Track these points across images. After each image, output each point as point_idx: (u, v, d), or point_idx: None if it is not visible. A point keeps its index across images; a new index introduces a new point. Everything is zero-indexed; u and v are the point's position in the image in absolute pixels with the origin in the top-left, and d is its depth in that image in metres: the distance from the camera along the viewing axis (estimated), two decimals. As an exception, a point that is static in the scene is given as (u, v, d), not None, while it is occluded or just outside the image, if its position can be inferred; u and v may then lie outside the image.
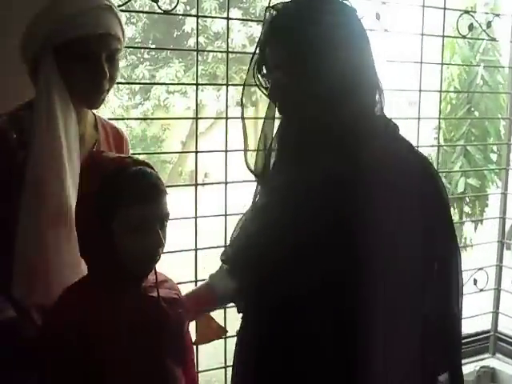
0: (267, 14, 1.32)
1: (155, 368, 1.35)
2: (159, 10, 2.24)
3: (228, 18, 2.45)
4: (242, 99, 1.44)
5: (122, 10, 2.67)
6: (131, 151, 1.80)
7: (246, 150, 1.41)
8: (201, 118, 14.31)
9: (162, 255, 1.36)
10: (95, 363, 1.24)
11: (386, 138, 1.29)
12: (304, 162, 1.28)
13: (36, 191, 1.41)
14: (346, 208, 1.18)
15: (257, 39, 1.36)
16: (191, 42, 11.36)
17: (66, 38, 1.45)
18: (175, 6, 2.26)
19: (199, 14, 2.27)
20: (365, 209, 1.16)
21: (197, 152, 2.33)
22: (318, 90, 1.24)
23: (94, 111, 1.70)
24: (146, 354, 1.32)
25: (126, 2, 2.17)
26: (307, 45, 1.23)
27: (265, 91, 1.36)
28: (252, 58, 1.35)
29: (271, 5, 1.33)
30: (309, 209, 1.22)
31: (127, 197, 1.28)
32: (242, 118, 1.44)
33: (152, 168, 1.34)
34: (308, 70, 1.25)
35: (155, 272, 1.39)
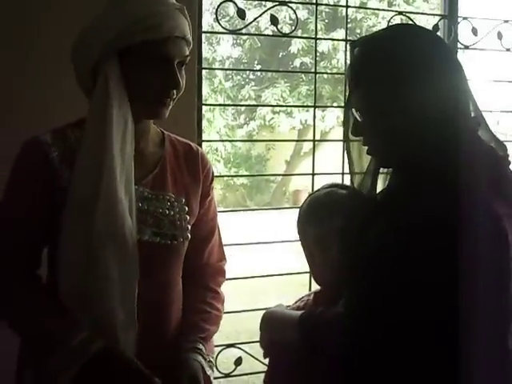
0: (350, 48, 1.24)
1: None
2: (269, 32, 2.29)
3: (346, 40, 2.43)
4: (344, 121, 1.37)
5: (240, 33, 2.75)
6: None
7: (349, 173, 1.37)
8: (304, 141, 14.44)
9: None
10: None
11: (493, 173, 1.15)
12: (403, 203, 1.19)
13: (84, 210, 1.27)
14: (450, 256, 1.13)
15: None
16: (297, 63, 11.37)
17: (136, 40, 1.29)
18: (293, 30, 2.29)
19: (317, 37, 2.30)
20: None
21: (313, 174, 2.35)
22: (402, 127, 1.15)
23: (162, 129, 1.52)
24: None
25: (246, 26, 2.24)
26: (385, 84, 1.14)
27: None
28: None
29: (356, 39, 1.27)
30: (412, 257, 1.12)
31: None
32: (344, 140, 1.39)
33: None
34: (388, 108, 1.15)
35: None
